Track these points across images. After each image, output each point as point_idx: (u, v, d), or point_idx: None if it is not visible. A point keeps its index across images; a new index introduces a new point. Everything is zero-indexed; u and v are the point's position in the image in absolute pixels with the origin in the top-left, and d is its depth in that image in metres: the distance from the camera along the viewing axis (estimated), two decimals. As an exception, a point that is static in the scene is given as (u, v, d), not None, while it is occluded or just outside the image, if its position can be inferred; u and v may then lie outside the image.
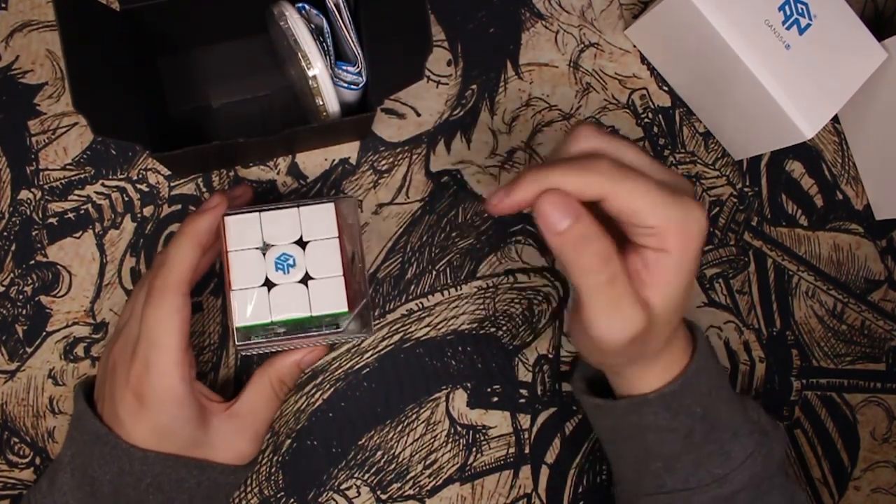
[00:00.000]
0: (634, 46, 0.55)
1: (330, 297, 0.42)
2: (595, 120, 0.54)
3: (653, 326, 0.37)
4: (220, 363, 0.49)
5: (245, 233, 0.42)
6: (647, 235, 0.36)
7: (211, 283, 0.49)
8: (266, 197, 0.50)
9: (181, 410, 0.40)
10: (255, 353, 0.46)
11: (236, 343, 0.41)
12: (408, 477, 0.50)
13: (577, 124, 0.39)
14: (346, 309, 0.41)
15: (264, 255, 0.42)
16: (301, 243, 0.42)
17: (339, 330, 0.43)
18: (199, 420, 0.41)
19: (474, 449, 0.50)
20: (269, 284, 0.42)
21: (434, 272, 0.52)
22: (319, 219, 0.43)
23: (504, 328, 0.51)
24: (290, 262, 0.42)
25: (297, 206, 0.43)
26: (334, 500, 0.49)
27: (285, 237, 0.42)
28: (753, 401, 0.46)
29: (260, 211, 0.42)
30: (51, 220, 0.49)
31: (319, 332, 0.43)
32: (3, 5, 0.50)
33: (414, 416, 0.50)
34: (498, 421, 0.51)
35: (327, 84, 0.45)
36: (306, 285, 0.42)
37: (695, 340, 0.44)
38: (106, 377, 0.43)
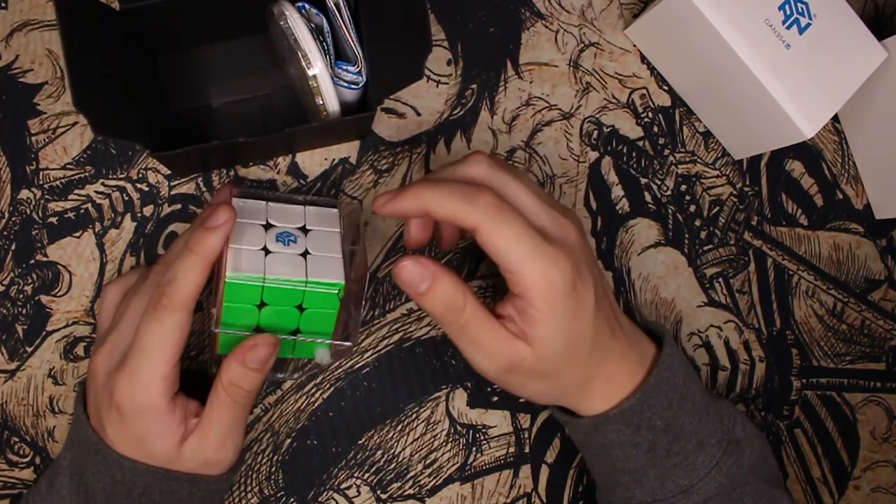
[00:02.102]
0: (634, 46, 0.55)
1: (327, 269, 0.41)
2: (595, 119, 0.54)
3: (540, 359, 0.40)
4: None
5: (250, 211, 0.43)
6: (513, 282, 0.38)
7: (210, 283, 0.49)
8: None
9: (157, 423, 0.40)
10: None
11: (222, 300, 0.40)
12: (408, 476, 0.50)
13: (473, 152, 0.41)
14: (342, 281, 0.41)
15: (266, 230, 0.43)
16: (304, 230, 0.44)
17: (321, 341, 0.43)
18: (175, 436, 0.40)
19: (474, 448, 0.50)
20: (266, 251, 0.42)
21: (434, 272, 0.52)
22: (324, 217, 0.45)
23: (504, 328, 0.51)
24: (292, 238, 0.42)
25: (304, 206, 0.45)
26: (334, 499, 0.49)
27: (289, 222, 0.44)
28: (733, 407, 0.45)
29: (267, 200, 0.44)
30: (51, 219, 0.49)
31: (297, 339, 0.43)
32: (3, 4, 0.50)
33: (414, 416, 0.50)
34: (498, 420, 0.51)
35: (327, 83, 0.45)
36: (304, 258, 0.42)
37: (660, 350, 0.44)
38: (90, 384, 0.42)
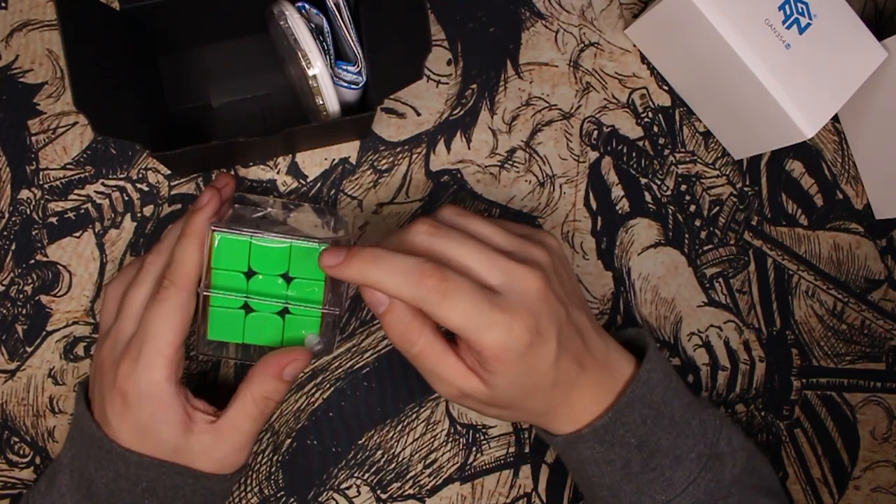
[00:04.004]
0: (634, 46, 0.55)
1: (311, 237, 0.42)
2: (595, 119, 0.54)
3: (494, 395, 0.40)
4: (221, 362, 0.49)
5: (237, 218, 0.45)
6: (466, 343, 0.38)
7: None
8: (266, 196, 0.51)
9: (162, 410, 0.40)
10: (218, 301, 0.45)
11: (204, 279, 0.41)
12: (408, 476, 0.50)
13: (416, 220, 0.40)
14: (325, 243, 0.42)
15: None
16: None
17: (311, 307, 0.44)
18: (181, 426, 0.41)
19: (474, 448, 0.50)
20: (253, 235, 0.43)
21: (434, 272, 0.51)
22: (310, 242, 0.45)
23: (504, 328, 0.51)
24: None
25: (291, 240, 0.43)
26: (334, 499, 0.49)
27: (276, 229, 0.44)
28: (721, 418, 0.45)
29: (252, 234, 0.43)
30: (51, 219, 0.49)
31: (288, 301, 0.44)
32: (3, 4, 0.50)
33: (414, 416, 0.50)
34: (498, 420, 0.51)
35: (327, 83, 0.45)
36: (290, 237, 0.43)
37: (639, 364, 0.43)
38: (95, 378, 0.42)
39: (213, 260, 0.42)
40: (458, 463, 0.50)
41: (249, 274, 0.42)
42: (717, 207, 0.54)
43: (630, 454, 0.42)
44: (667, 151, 0.54)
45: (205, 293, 0.42)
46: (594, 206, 0.53)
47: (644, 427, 0.42)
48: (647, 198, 0.54)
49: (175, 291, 0.40)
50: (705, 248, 0.54)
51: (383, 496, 0.49)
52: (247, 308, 0.43)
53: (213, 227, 0.41)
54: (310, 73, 0.44)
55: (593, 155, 0.54)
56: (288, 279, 0.43)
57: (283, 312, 0.44)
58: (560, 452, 0.45)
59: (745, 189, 0.55)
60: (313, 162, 0.51)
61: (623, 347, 0.45)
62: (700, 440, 0.43)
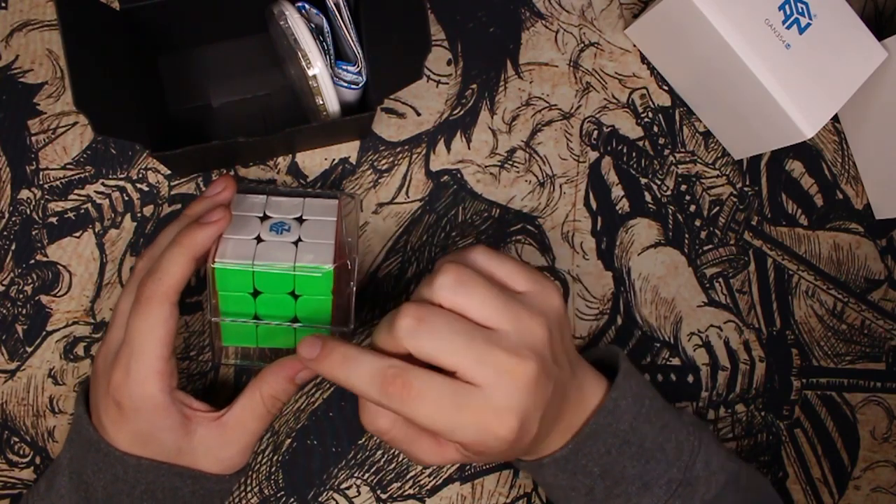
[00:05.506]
0: (634, 46, 0.55)
1: (315, 254, 0.42)
2: (595, 119, 0.54)
3: (470, 458, 0.39)
4: (220, 362, 0.49)
5: (250, 205, 0.44)
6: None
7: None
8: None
9: (160, 419, 0.40)
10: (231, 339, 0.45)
11: (212, 299, 0.42)
12: (408, 476, 0.50)
13: (401, 309, 0.36)
14: (329, 265, 0.41)
15: (262, 222, 0.44)
16: (300, 220, 0.44)
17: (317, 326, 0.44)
18: (182, 429, 0.40)
19: (474, 448, 0.50)
20: (259, 240, 0.42)
21: (434, 272, 0.51)
22: (322, 207, 0.45)
23: (504, 328, 0.51)
24: (286, 227, 0.43)
25: (304, 197, 0.45)
26: (334, 499, 0.49)
27: (287, 213, 0.44)
28: (699, 439, 0.43)
29: (268, 194, 0.45)
30: (51, 219, 0.49)
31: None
32: (3, 4, 0.50)
33: (414, 416, 0.50)
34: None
35: (327, 83, 0.45)
36: (296, 245, 0.42)
37: (607, 392, 0.42)
38: (93, 382, 0.42)
39: (218, 286, 0.42)
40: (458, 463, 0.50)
41: (256, 293, 0.42)
42: (717, 207, 0.54)
43: (594, 482, 0.41)
44: (667, 151, 0.54)
45: (214, 320, 0.43)
46: (594, 206, 0.53)
47: (608, 456, 0.41)
48: (647, 198, 0.54)
49: (157, 304, 0.39)
50: (705, 248, 0.54)
51: (383, 496, 0.49)
52: (256, 317, 0.44)
53: (213, 264, 0.40)
54: (310, 73, 0.44)
55: (593, 155, 0.54)
56: (295, 296, 0.43)
57: (295, 320, 0.44)
58: (528, 472, 0.45)
59: (745, 189, 0.55)
60: (313, 162, 0.51)
61: (596, 370, 0.43)
62: (673, 464, 0.42)
